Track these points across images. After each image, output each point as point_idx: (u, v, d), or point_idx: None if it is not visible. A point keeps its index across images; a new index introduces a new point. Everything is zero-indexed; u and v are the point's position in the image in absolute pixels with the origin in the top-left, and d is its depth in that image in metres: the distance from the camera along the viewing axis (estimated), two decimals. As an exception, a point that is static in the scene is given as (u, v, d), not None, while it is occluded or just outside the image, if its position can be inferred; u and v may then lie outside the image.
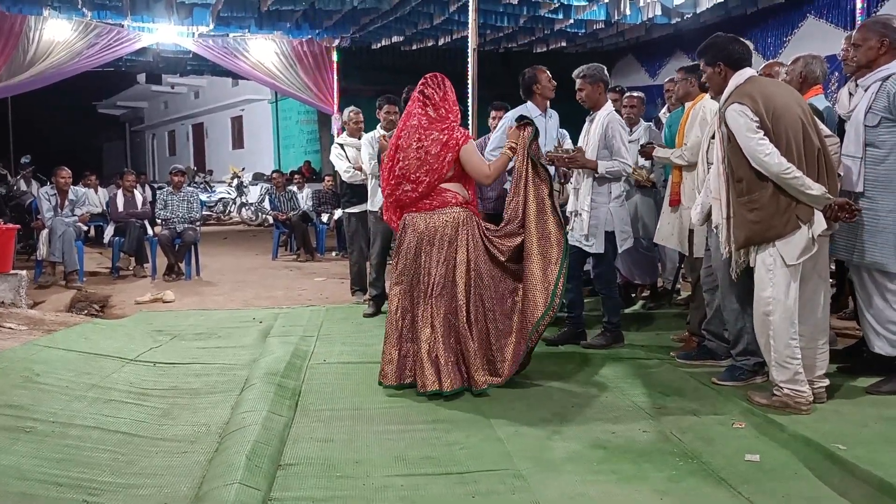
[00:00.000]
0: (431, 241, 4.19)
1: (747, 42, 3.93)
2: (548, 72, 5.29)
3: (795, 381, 3.62)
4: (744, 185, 3.63)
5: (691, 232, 4.74)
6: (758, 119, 3.54)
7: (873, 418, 3.53)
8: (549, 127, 5.37)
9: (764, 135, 3.53)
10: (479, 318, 4.19)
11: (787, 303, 3.60)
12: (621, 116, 6.33)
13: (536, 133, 4.46)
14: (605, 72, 5.07)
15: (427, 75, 4.37)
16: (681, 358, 4.69)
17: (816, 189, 3.51)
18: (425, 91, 4.30)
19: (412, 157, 4.20)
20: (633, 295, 6.71)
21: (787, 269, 3.58)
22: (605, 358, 4.80)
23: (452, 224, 4.21)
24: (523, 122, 4.48)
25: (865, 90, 3.88)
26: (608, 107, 5.06)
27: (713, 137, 4.31)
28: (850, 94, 4.07)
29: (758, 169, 3.54)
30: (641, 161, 5.93)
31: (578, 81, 5.03)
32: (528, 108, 5.41)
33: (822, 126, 3.83)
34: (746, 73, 3.73)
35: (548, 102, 5.33)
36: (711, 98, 4.89)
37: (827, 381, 3.80)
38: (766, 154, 3.50)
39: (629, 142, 6.07)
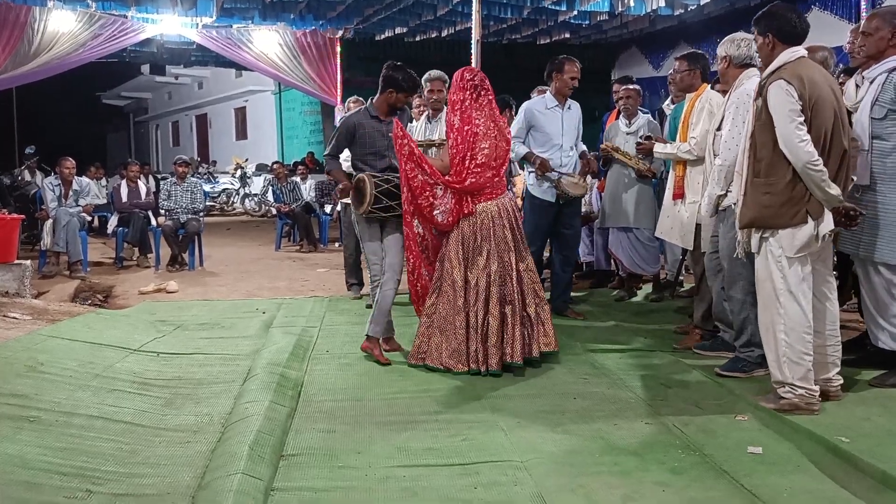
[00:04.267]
0: (501, 225, 4.35)
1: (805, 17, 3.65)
2: (577, 66, 5.43)
3: (807, 379, 3.50)
4: (762, 166, 3.51)
5: (698, 226, 4.70)
6: (801, 104, 3.39)
7: (877, 411, 3.52)
8: (566, 118, 5.47)
9: (802, 121, 3.40)
10: (531, 295, 4.43)
11: (801, 294, 3.48)
12: (617, 108, 6.34)
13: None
14: None
15: (465, 68, 4.53)
16: (697, 349, 4.66)
17: (833, 189, 3.40)
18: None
19: (492, 145, 4.36)
20: (636, 286, 6.70)
21: (796, 258, 3.46)
22: (606, 350, 4.80)
23: (514, 206, 4.52)
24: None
25: (871, 82, 3.82)
26: None
27: (719, 129, 4.28)
28: (857, 86, 4.03)
29: (783, 152, 3.41)
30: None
31: (439, 84, 5.50)
32: (546, 99, 5.47)
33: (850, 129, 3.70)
34: (798, 51, 3.53)
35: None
36: (713, 89, 4.87)
37: (841, 379, 3.71)
38: (800, 140, 3.36)
39: (628, 133, 6.09)
